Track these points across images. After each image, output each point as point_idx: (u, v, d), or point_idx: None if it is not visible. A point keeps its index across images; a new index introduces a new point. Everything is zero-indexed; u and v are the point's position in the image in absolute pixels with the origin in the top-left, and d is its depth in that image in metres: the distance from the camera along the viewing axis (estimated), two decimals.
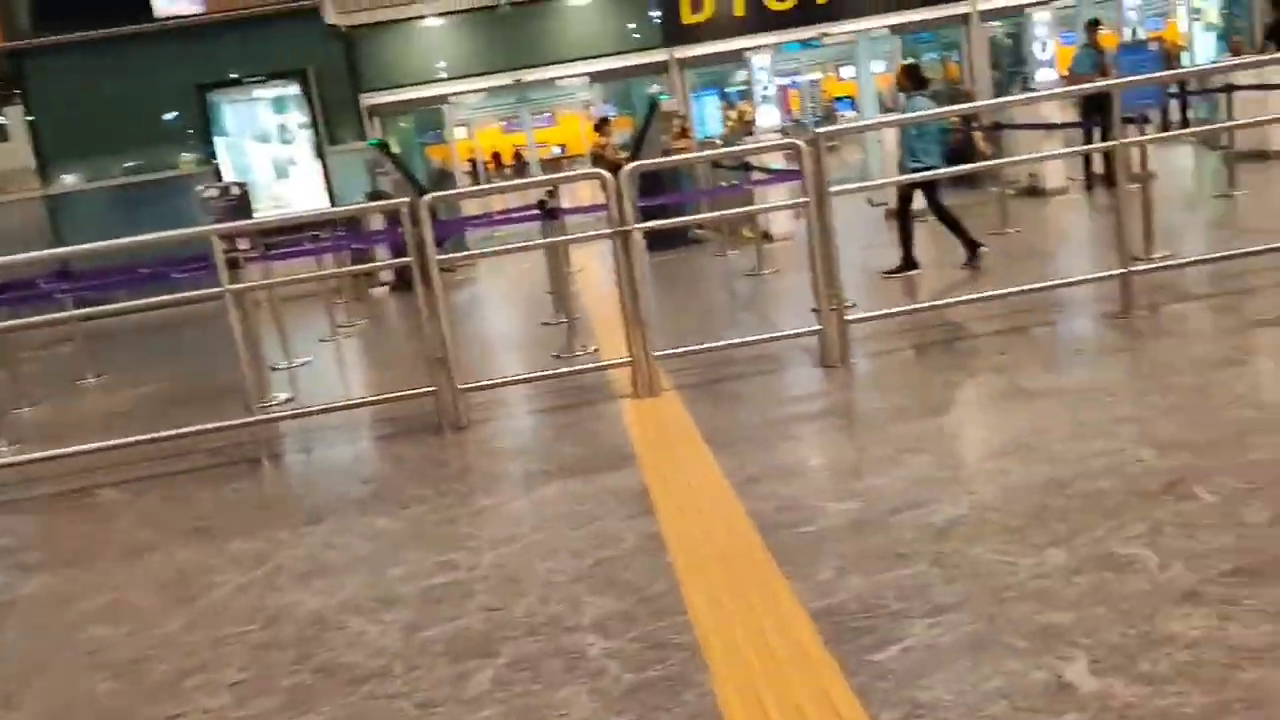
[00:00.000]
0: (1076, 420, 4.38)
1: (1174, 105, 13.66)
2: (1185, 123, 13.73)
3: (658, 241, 11.51)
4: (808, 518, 3.73)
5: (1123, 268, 5.97)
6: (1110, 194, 11.68)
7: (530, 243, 7.60)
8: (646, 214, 8.22)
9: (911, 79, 8.51)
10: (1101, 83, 6.27)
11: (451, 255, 8.25)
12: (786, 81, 22.15)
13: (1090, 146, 10.94)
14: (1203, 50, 16.70)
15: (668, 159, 10.03)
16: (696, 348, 6.20)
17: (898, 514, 3.64)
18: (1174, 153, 13.32)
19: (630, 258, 5.68)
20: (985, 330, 6.08)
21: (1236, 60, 12.53)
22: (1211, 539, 3.12)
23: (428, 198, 5.81)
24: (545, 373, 6.40)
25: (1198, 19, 16.90)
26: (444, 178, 19.59)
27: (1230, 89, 10.57)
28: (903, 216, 8.52)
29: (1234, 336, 5.43)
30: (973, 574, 3.13)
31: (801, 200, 5.84)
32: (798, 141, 5.81)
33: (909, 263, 8.42)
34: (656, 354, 5.80)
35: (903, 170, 8.37)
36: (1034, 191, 12.10)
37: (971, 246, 8.24)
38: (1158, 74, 7.38)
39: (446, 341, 5.68)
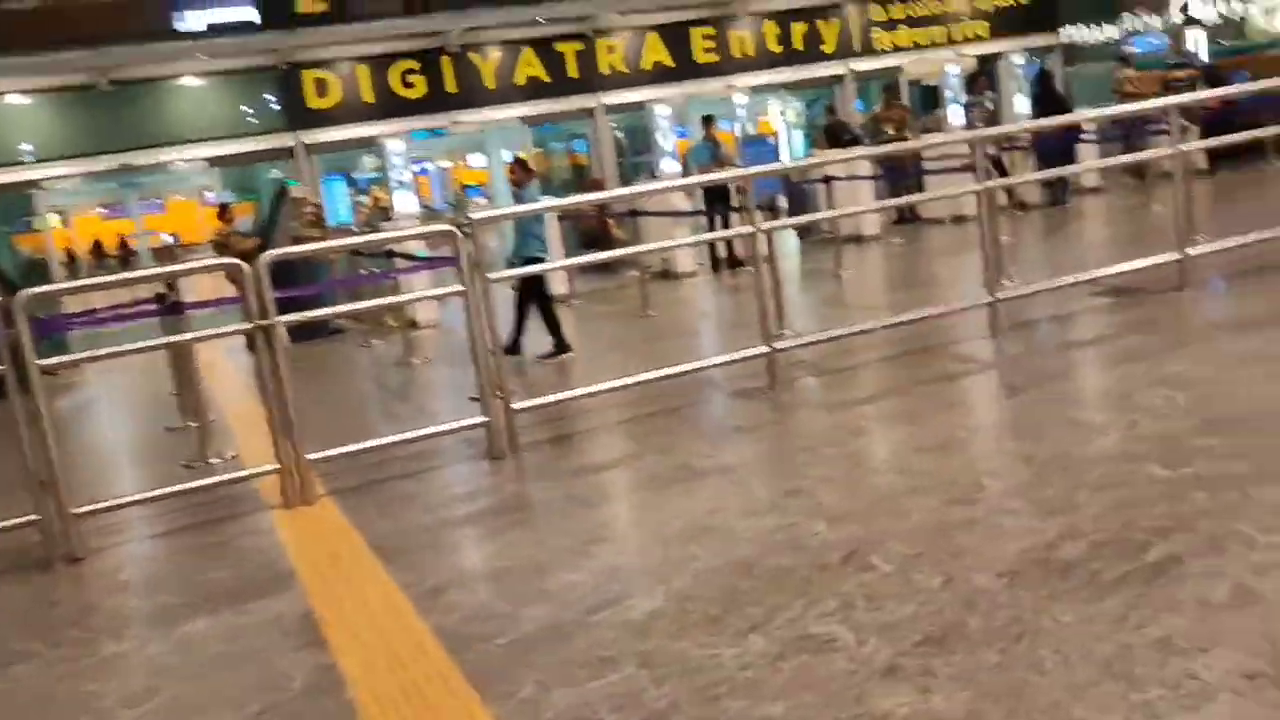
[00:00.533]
0: (748, 497, 4.45)
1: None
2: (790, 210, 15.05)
3: (296, 334, 10.81)
4: (500, 628, 3.46)
5: (766, 346, 6.27)
6: (734, 275, 12.59)
7: (156, 341, 6.76)
8: (282, 305, 7.63)
9: (522, 171, 8.65)
10: (735, 172, 6.64)
11: (57, 360, 7.19)
12: (417, 168, 22.03)
13: (726, 232, 11.62)
14: (796, 145, 18.58)
15: (308, 246, 9.45)
16: (354, 448, 5.74)
17: (595, 613, 3.46)
18: (781, 237, 14.54)
19: (273, 353, 5.19)
20: (649, 411, 6.14)
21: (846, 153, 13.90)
22: (897, 609, 3.20)
23: (25, 294, 4.98)
24: (177, 487, 5.65)
25: (784, 116, 18.75)
26: (34, 270, 17.47)
27: (829, 180, 11.72)
28: (541, 302, 8.50)
29: (866, 405, 5.84)
30: (682, 671, 3.00)
31: (459, 288, 5.63)
32: (453, 228, 5.62)
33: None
34: (308, 457, 5.30)
35: (510, 261, 8.31)
36: (667, 275, 12.69)
37: (560, 344, 8.36)
38: (780, 165, 7.94)
39: (53, 459, 4.86)
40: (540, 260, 8.28)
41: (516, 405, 5.76)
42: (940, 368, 6.43)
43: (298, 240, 11.89)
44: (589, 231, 15.18)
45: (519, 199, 8.57)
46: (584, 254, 14.86)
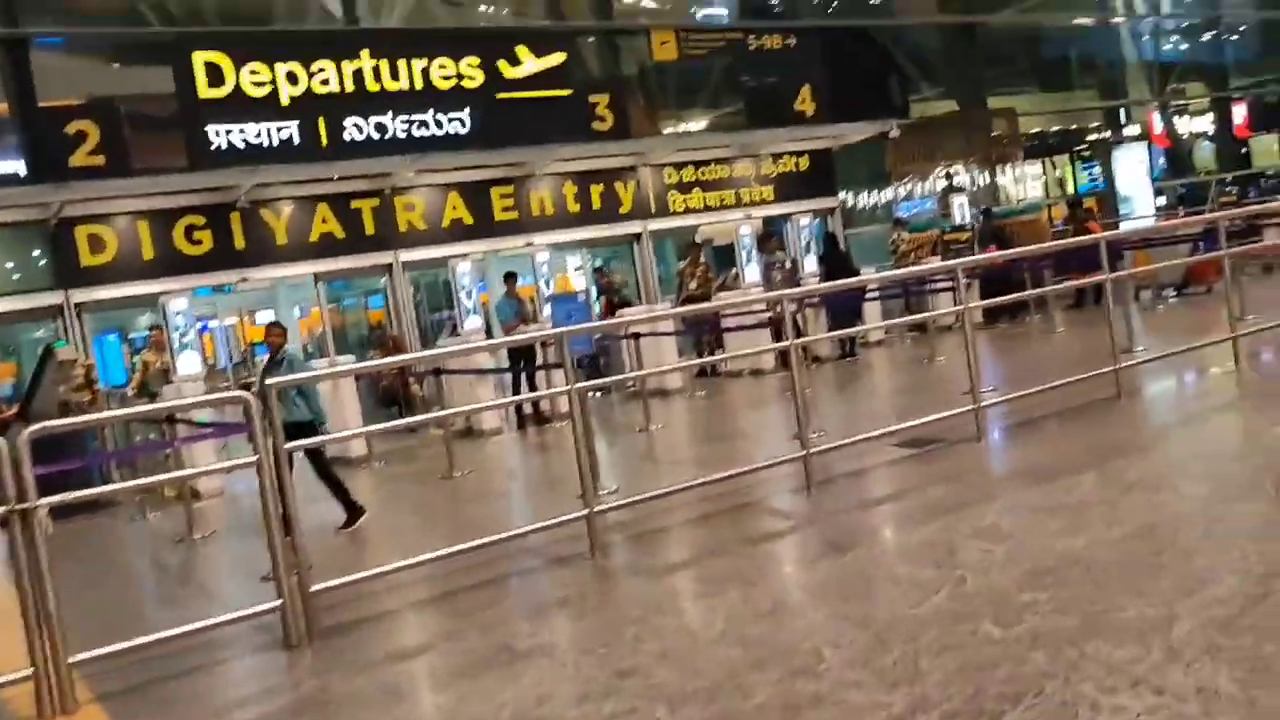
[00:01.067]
0: (579, 680, 4.13)
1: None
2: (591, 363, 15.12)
3: (61, 509, 9.76)
4: None
5: (584, 508, 6.04)
6: (541, 432, 12.40)
7: None
8: (46, 481, 6.83)
9: (284, 335, 8.19)
10: (552, 330, 6.50)
11: None
12: (200, 327, 20.93)
13: (544, 392, 11.45)
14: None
15: (87, 418, 8.62)
16: (126, 645, 5.05)
17: None
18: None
19: (34, 542, 4.54)
20: (462, 584, 5.74)
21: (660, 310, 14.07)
22: None
23: None
24: None
25: (580, 271, 18.95)
26: None
27: (637, 337, 11.84)
28: (320, 470, 7.98)
29: (693, 569, 5.66)
30: None
31: (253, 459, 5.15)
32: (245, 394, 5.18)
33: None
34: (71, 660, 4.61)
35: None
36: (471, 433, 12.35)
37: (352, 510, 7.91)
38: (597, 323, 7.89)
39: None
40: (314, 425, 7.80)
41: (315, 586, 5.26)
42: (761, 525, 6.35)
43: (65, 406, 10.90)
44: (388, 390, 14.71)
45: (279, 363, 7.98)
46: (383, 413, 14.41)
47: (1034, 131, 27.34)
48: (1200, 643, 3.53)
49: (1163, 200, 24.28)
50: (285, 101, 13.73)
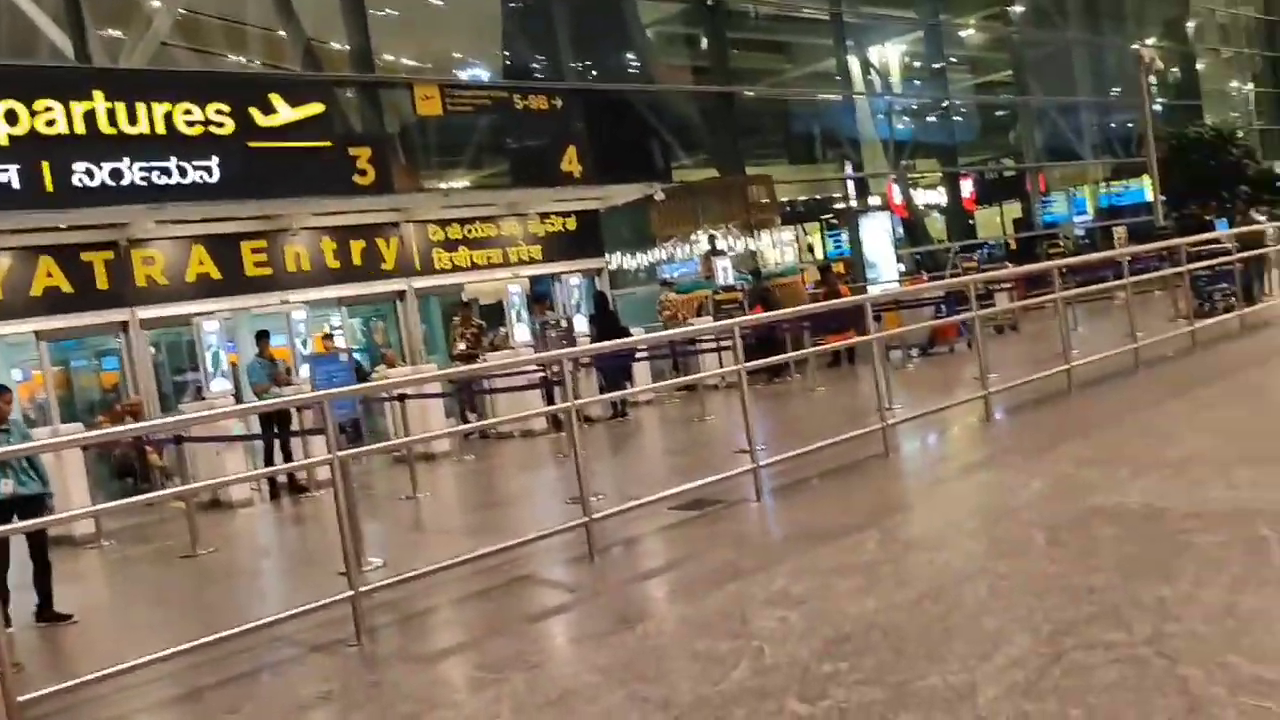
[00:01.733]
0: None
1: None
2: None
3: None
4: None
5: (350, 589, 5.47)
6: (296, 503, 11.51)
7: None
8: None
9: (10, 401, 7.20)
10: (306, 395, 5.91)
11: None
12: None
13: (305, 462, 10.59)
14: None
15: None
16: None
17: None
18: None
19: None
20: (207, 682, 5.03)
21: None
22: None
23: None
24: None
25: (340, 331, 18.08)
26: None
27: (403, 398, 11.23)
28: (36, 551, 6.98)
29: (471, 652, 5.21)
30: None
31: None
32: None
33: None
34: None
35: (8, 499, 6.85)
36: (218, 505, 11.32)
37: (47, 612, 6.97)
38: (361, 385, 7.34)
39: None
40: (44, 500, 6.86)
41: (25, 695, 4.44)
42: (543, 599, 5.99)
43: None
44: (122, 460, 13.36)
45: (5, 432, 6.98)
46: (117, 486, 13.04)
47: (785, 200, 28.73)
48: (1008, 710, 3.44)
49: (902, 266, 25.93)
50: (3, 141, 12.37)
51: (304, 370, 13.08)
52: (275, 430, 11.96)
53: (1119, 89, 37.36)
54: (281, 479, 11.95)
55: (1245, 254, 15.57)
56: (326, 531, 8.63)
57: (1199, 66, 42.16)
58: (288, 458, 11.80)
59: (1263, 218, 18.17)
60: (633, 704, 4.05)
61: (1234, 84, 46.21)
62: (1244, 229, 16.63)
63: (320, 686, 4.98)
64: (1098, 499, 5.95)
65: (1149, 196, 34.16)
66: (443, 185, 18.27)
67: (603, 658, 4.64)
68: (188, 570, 8.48)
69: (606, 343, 9.35)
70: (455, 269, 17.20)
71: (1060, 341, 13.25)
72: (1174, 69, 40.19)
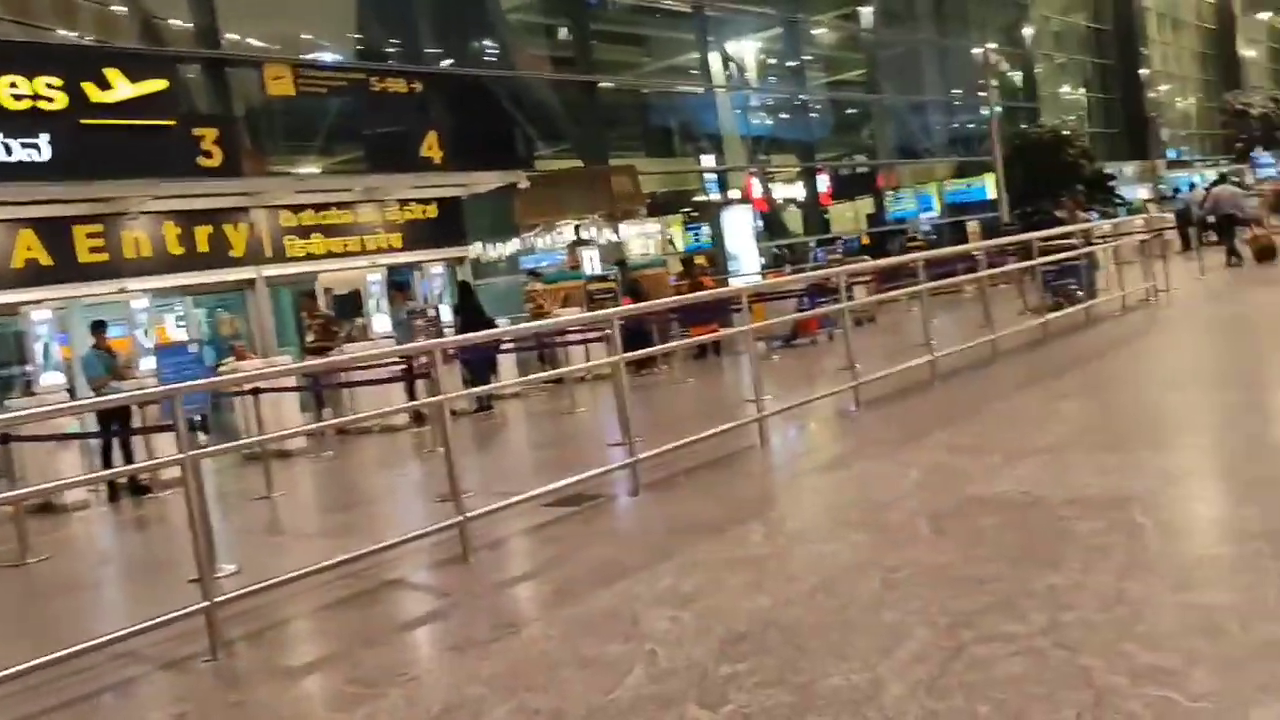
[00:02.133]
0: None
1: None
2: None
3: None
4: None
5: (203, 599, 5.04)
6: (139, 505, 10.76)
7: None
8: None
9: None
10: (167, 389, 5.39)
11: None
12: None
13: (152, 462, 9.85)
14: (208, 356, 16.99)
15: None
16: None
17: None
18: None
19: None
20: (46, 707, 4.54)
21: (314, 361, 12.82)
22: None
23: None
24: None
25: (182, 325, 17.15)
26: None
27: (257, 392, 10.60)
28: None
29: (341, 666, 4.85)
30: None
31: None
32: None
33: None
34: None
35: None
36: (50, 509, 10.49)
37: None
38: (214, 378, 6.84)
39: None
40: None
41: None
42: (418, 605, 5.67)
43: None
44: None
45: None
46: None
47: (647, 192, 28.74)
48: (915, 710, 3.34)
49: (762, 259, 26.27)
50: None
51: (145, 363, 12.26)
52: (115, 427, 11.17)
53: (964, 91, 38.86)
54: (122, 480, 11.16)
55: (1089, 249, 16.32)
56: (173, 536, 8.06)
57: (1036, 71, 44.22)
58: (128, 457, 11.03)
59: (1094, 215, 19.16)
60: (522, 717, 3.80)
61: (1066, 89, 48.69)
62: (1084, 225, 17.42)
63: (173, 708, 4.55)
64: (975, 487, 6.00)
65: (991, 194, 35.71)
66: (296, 169, 17.43)
67: (486, 667, 4.37)
68: (16, 581, 7.78)
69: (476, 333, 9.00)
70: (309, 257, 16.47)
71: (921, 333, 13.57)
72: (1014, 72, 42.04)
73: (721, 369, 15.99)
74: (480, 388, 12.47)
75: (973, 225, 27.11)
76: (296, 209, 16.38)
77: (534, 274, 16.91)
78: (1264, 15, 67.24)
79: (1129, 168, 46.09)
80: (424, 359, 8.61)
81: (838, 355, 13.78)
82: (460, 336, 10.84)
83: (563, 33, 26.75)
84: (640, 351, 9.02)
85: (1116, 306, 14.44)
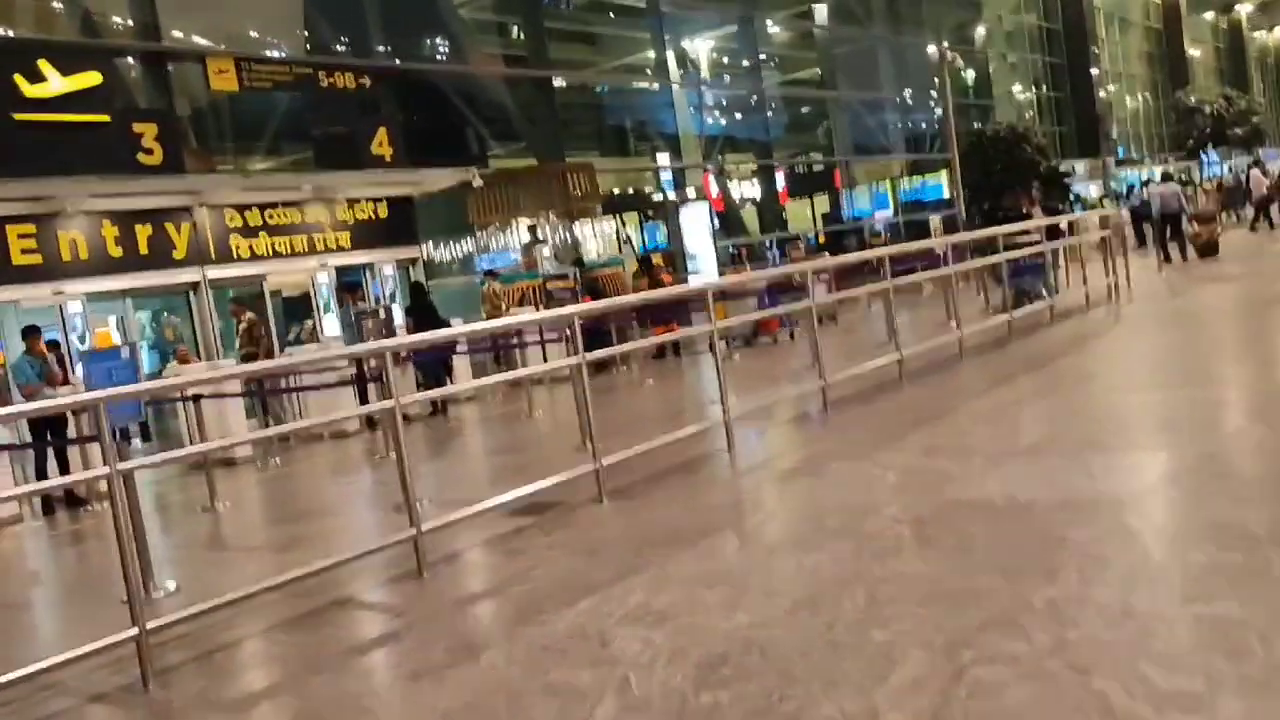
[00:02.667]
0: None
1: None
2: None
3: None
4: None
5: (133, 625, 4.64)
6: (75, 519, 10.23)
7: None
8: None
9: None
10: (92, 394, 4.95)
11: None
12: None
13: (79, 475, 9.32)
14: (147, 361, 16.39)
15: None
16: None
17: None
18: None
19: None
20: None
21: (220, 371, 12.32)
22: None
23: None
24: None
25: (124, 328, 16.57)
26: None
27: (198, 399, 10.10)
28: None
29: (289, 694, 4.47)
30: None
31: None
32: None
33: None
34: None
35: None
36: None
37: None
38: (145, 384, 6.40)
39: None
40: None
41: None
42: (370, 627, 5.29)
43: None
44: None
45: None
46: None
47: (604, 191, 28.37)
48: None
49: (718, 259, 26.02)
50: None
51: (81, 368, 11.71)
52: (49, 437, 10.63)
53: (918, 89, 38.93)
54: (57, 492, 10.61)
55: (1053, 244, 16.20)
56: (111, 552, 7.59)
57: (990, 69, 44.45)
58: (64, 468, 10.49)
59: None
60: None
61: (1018, 87, 49.00)
62: (1047, 220, 17.18)
63: None
64: (958, 491, 5.73)
65: (946, 192, 35.80)
66: (241, 167, 16.84)
67: (444, 697, 4.01)
68: None
69: (431, 333, 8.59)
70: (255, 257, 15.95)
71: (885, 331, 13.36)
72: (967, 71, 42.22)
73: (682, 369, 15.69)
74: (434, 391, 12.03)
75: (935, 221, 27.05)
76: (242, 208, 15.85)
77: (491, 274, 16.49)
78: (1208, 15, 68.27)
79: (1080, 165, 46.48)
80: (374, 362, 8.19)
81: (800, 354, 13.59)
82: (412, 337, 10.39)
83: (516, 30, 26.32)
84: (601, 351, 8.66)
85: (1079, 303, 14.32)
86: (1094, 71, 51.33)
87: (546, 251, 16.40)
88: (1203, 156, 51.95)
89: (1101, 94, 52.45)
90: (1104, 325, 12.93)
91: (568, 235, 19.34)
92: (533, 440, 10.85)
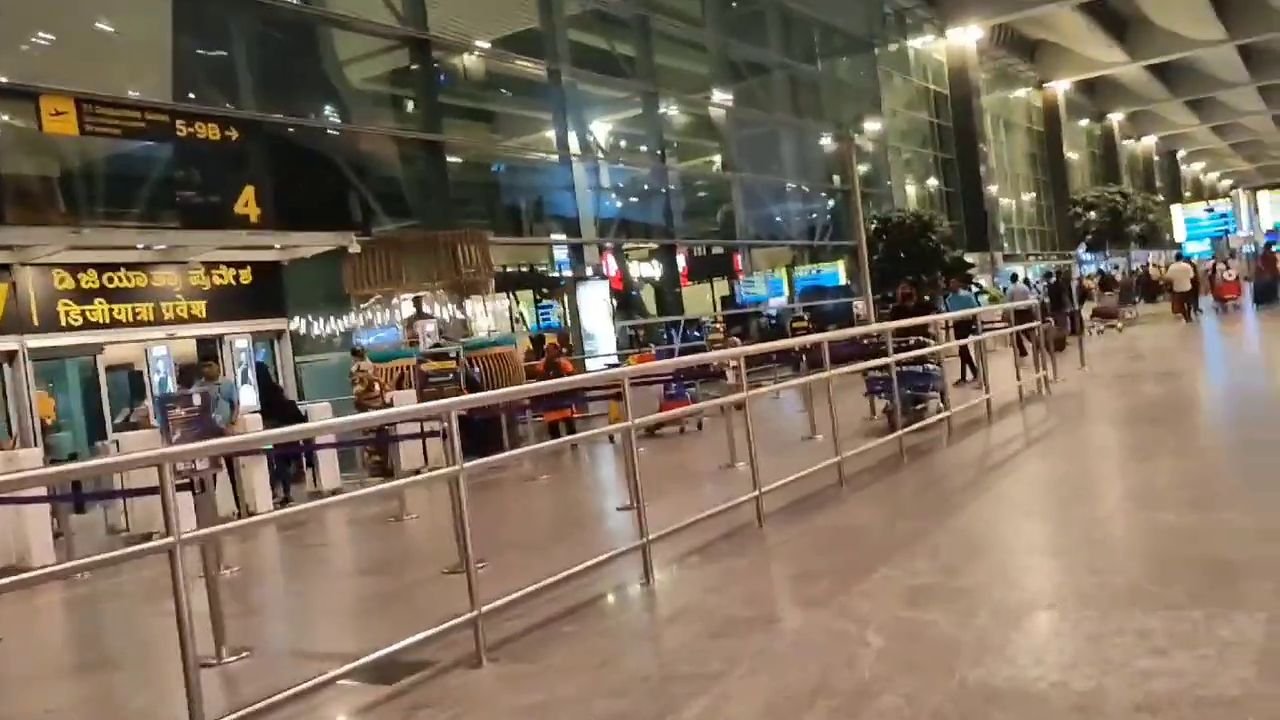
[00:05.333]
0: None
1: None
2: None
3: None
4: None
5: None
6: None
7: None
8: None
9: None
10: None
11: None
12: None
13: None
14: None
15: None
16: None
17: None
18: None
19: None
20: None
21: None
22: None
23: None
24: None
25: None
26: None
27: None
28: None
29: None
30: None
31: None
32: None
33: None
34: None
35: None
36: None
37: None
38: None
39: None
40: None
41: None
42: None
43: None
44: None
45: None
46: None
47: (500, 268, 26.73)
48: None
49: (616, 340, 24.56)
50: None
51: None
52: None
53: (817, 179, 38.63)
54: None
55: (962, 342, 15.13)
56: None
57: (887, 160, 44.63)
58: None
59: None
60: None
61: (911, 180, 49.46)
62: (962, 313, 16.08)
63: None
64: (974, 667, 4.15)
65: (843, 279, 35.27)
66: (76, 220, 14.60)
67: None
68: None
69: (289, 427, 6.74)
70: (88, 325, 13.76)
71: (808, 425, 11.94)
72: (862, 164, 42.20)
73: (580, 462, 13.97)
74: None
75: (860, 307, 26.11)
76: (75, 268, 13.70)
77: (356, 352, 14.58)
78: (1084, 122, 70.97)
79: (970, 257, 46.84)
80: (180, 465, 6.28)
81: (714, 448, 12.04)
82: (219, 441, 8.33)
83: (412, 105, 24.61)
84: (482, 460, 6.86)
85: (1012, 399, 13.17)
86: (982, 169, 52.22)
87: (430, 328, 14.60)
88: (1076, 255, 53.27)
89: (990, 190, 53.34)
90: (1054, 424, 11.74)
91: (457, 311, 17.57)
92: (399, 557, 8.92)
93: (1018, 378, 13.66)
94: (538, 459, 13.10)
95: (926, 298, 17.16)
